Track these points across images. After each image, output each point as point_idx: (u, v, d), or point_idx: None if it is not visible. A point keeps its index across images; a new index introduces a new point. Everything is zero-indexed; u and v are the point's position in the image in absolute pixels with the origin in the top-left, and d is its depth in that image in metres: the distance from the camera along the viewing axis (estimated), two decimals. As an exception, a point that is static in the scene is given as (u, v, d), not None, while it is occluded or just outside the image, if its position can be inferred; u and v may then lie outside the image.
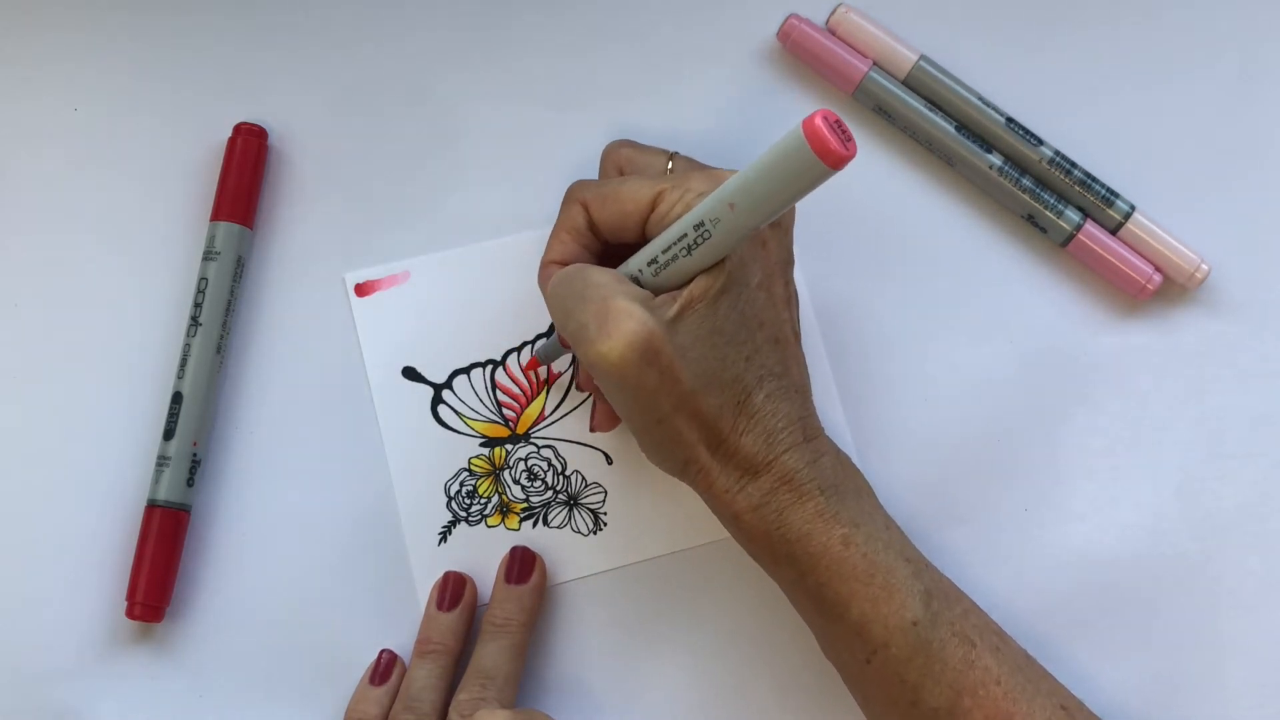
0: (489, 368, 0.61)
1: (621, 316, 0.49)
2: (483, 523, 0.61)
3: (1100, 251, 0.61)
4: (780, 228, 0.54)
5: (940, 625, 0.53)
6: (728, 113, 0.63)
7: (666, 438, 0.51)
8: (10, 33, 0.62)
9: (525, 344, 0.61)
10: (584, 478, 0.61)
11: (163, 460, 0.59)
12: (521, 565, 0.60)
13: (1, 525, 0.60)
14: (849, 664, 0.54)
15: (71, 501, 0.60)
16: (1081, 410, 0.62)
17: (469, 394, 0.61)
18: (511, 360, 0.61)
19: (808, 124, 0.44)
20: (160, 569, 0.58)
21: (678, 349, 0.50)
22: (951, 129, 0.61)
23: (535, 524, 0.61)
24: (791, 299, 0.55)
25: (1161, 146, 0.63)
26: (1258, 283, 0.62)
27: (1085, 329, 0.62)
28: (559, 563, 0.61)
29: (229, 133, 0.61)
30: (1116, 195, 0.62)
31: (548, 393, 0.61)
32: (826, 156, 0.44)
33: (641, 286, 0.51)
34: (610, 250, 0.55)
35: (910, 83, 0.62)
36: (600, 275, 0.51)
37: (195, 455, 0.59)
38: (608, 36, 0.63)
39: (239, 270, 0.60)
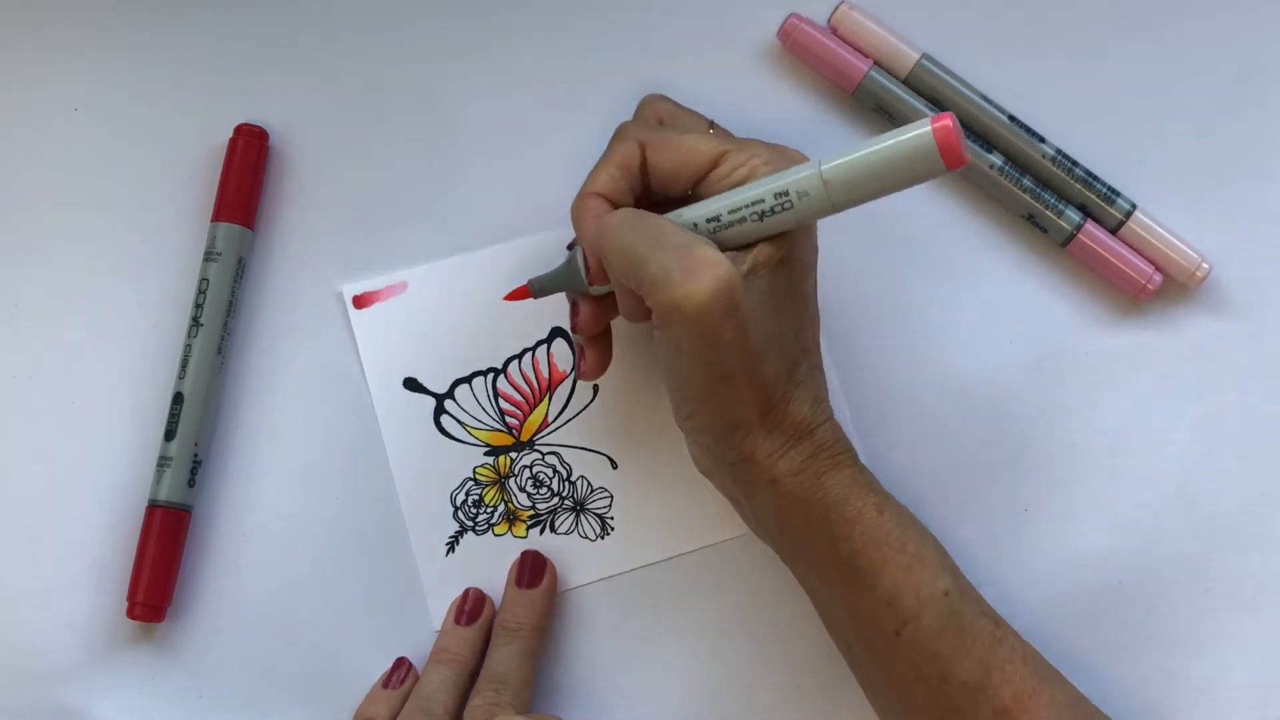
0: (490, 376, 0.61)
1: (708, 264, 0.48)
2: (490, 531, 0.61)
3: (1100, 251, 0.61)
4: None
5: (969, 600, 0.53)
6: (728, 112, 0.62)
7: (726, 397, 0.51)
8: (10, 33, 0.62)
9: (526, 350, 0.61)
10: (589, 483, 0.61)
11: (164, 460, 0.59)
12: (532, 570, 0.60)
13: (1, 525, 0.60)
14: (875, 640, 0.53)
15: (72, 501, 0.60)
16: (1081, 410, 0.62)
17: (471, 403, 0.61)
18: (513, 368, 0.61)
19: (939, 124, 0.46)
20: (161, 569, 0.58)
21: (750, 307, 0.49)
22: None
23: (542, 531, 0.61)
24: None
25: (1162, 145, 0.63)
26: (1258, 282, 0.62)
27: (1085, 329, 0.62)
28: (567, 568, 0.60)
29: (229, 133, 0.61)
30: (1117, 194, 0.62)
31: (550, 399, 0.61)
32: (949, 154, 0.46)
33: None
34: (647, 198, 0.55)
35: (911, 82, 0.62)
36: (669, 224, 0.51)
37: (196, 456, 0.59)
38: (609, 37, 0.63)
39: (240, 271, 0.60)
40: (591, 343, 0.57)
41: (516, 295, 0.57)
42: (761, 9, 0.63)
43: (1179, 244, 0.62)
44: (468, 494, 0.61)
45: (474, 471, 0.61)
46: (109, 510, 0.60)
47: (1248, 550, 0.61)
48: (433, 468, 0.61)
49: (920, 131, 0.46)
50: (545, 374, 0.61)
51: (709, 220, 0.51)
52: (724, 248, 0.50)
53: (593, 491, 0.61)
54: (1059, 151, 0.62)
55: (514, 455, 0.61)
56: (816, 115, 0.63)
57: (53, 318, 0.61)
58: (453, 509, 0.61)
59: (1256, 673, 0.60)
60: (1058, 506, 0.61)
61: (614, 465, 0.61)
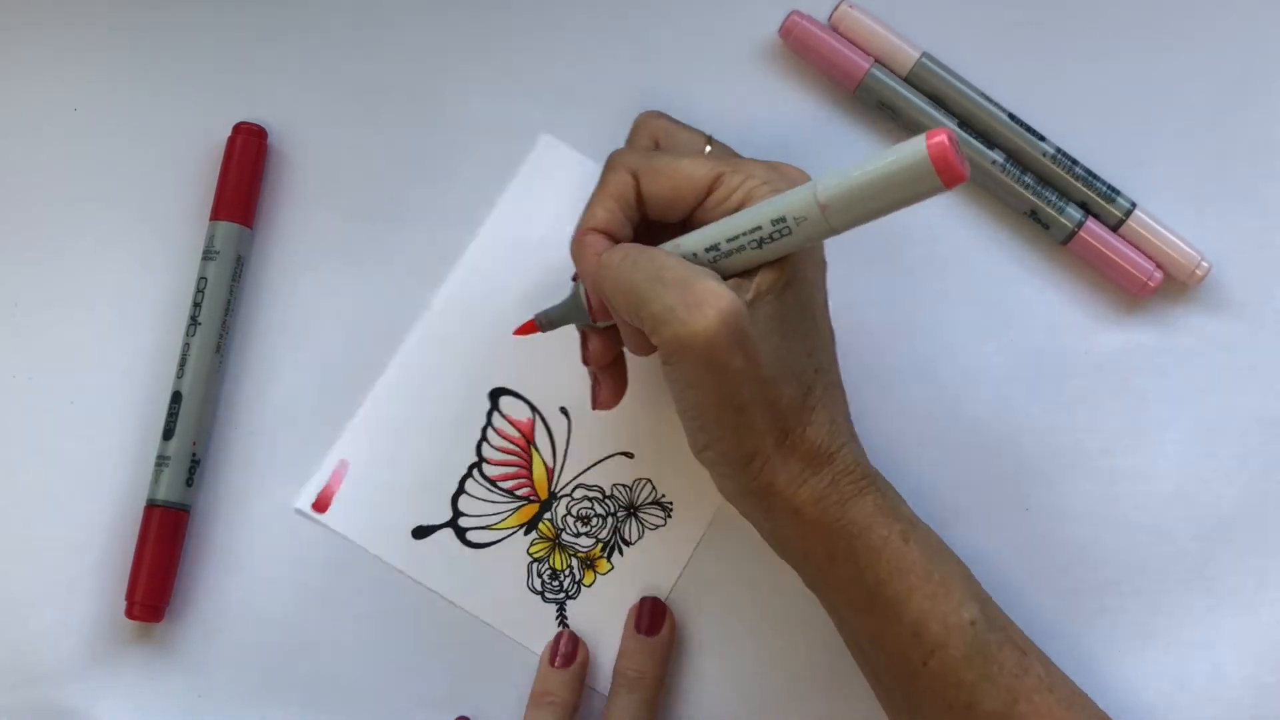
0: (475, 470, 0.61)
1: (711, 296, 0.47)
2: (581, 589, 0.61)
3: (1101, 249, 0.61)
4: None
5: (995, 628, 0.52)
6: (729, 110, 0.62)
7: (740, 427, 0.50)
8: (10, 33, 0.62)
9: (484, 427, 0.61)
10: (626, 486, 0.61)
11: (162, 460, 0.59)
12: (652, 616, 0.59)
13: (1, 525, 0.60)
14: (902, 670, 0.53)
15: (71, 501, 0.60)
16: (1081, 410, 0.62)
17: (479, 506, 0.61)
18: (485, 450, 0.61)
19: (935, 141, 0.44)
20: (160, 569, 0.59)
21: (758, 334, 0.49)
22: (953, 126, 0.61)
23: (620, 552, 0.61)
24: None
25: (1162, 144, 0.63)
26: (1258, 280, 0.62)
27: (1086, 327, 0.62)
28: (660, 564, 0.60)
29: (229, 132, 0.61)
30: (1118, 192, 0.62)
31: (536, 450, 0.61)
32: (947, 173, 0.44)
33: None
34: (646, 225, 0.53)
35: (912, 80, 0.62)
36: (669, 258, 0.49)
37: (194, 455, 0.59)
38: (609, 37, 0.63)
39: (238, 269, 0.60)
40: (604, 372, 0.56)
41: (526, 330, 0.56)
42: (762, 7, 0.63)
43: (1179, 242, 0.61)
44: (538, 574, 0.61)
45: (528, 553, 0.61)
46: (107, 510, 0.60)
47: (1248, 550, 0.61)
48: (490, 579, 0.60)
49: (915, 149, 0.45)
50: (513, 433, 0.61)
51: (708, 249, 0.50)
52: (726, 276, 0.50)
53: (632, 489, 0.61)
54: (1059, 150, 0.62)
55: (548, 515, 0.61)
56: (817, 113, 0.63)
57: (52, 317, 0.61)
58: (539, 594, 0.60)
59: (1256, 673, 0.60)
60: (1058, 506, 0.61)
61: (630, 456, 0.61)
